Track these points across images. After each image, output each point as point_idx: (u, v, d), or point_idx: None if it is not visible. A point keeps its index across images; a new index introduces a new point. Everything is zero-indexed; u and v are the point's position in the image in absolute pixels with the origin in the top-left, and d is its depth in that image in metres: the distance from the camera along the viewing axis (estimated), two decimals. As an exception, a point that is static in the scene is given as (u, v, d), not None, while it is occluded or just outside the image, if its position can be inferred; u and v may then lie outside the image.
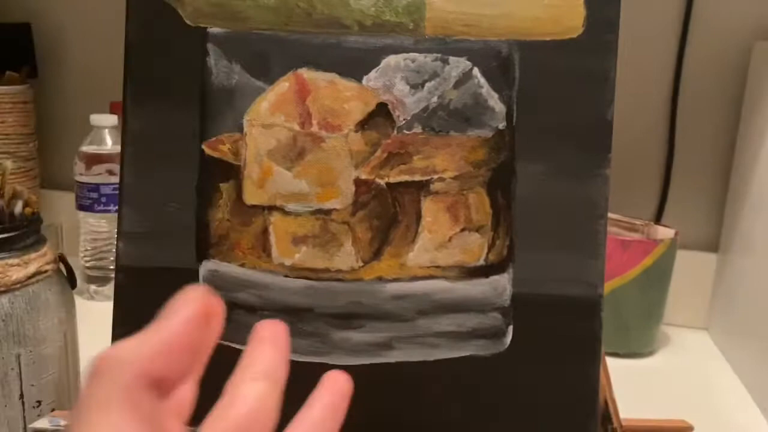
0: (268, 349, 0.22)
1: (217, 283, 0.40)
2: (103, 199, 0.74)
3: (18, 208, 0.41)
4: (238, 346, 0.23)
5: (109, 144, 0.74)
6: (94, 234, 0.75)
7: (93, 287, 0.75)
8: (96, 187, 0.74)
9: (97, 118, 0.73)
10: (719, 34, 0.72)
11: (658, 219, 0.77)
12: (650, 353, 0.70)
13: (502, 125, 0.40)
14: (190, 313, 0.19)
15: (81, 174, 0.74)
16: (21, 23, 0.86)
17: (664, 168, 0.76)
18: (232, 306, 0.40)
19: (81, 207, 0.75)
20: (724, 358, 0.69)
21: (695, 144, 0.75)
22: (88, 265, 0.76)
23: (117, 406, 0.17)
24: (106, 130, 0.74)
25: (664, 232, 0.68)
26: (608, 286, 0.67)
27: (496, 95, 0.40)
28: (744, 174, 0.69)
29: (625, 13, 0.71)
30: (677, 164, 0.75)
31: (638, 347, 0.69)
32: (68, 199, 0.77)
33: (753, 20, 0.71)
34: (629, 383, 0.63)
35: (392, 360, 0.40)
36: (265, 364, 0.21)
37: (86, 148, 0.74)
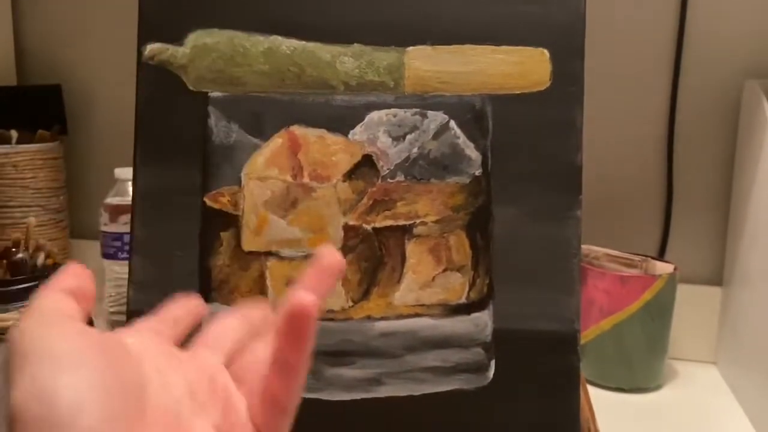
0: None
1: (218, 324, 0.43)
2: (126, 248, 0.78)
3: (40, 259, 0.45)
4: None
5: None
6: (118, 280, 0.80)
7: (117, 331, 0.79)
8: (120, 236, 0.78)
9: (120, 172, 0.78)
10: (710, 74, 0.74)
11: (661, 254, 0.78)
12: (656, 388, 0.70)
13: (478, 172, 0.43)
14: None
15: (106, 224, 0.79)
16: (52, 85, 0.93)
17: (664, 204, 0.78)
18: (231, 346, 0.43)
19: (106, 255, 0.79)
20: (731, 392, 0.70)
21: (693, 179, 0.77)
22: (112, 310, 0.80)
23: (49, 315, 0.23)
24: (129, 183, 0.78)
25: (663, 267, 0.70)
26: (610, 321, 0.68)
27: (471, 144, 0.43)
28: (740, 207, 0.71)
29: (619, 54, 0.74)
30: (677, 200, 0.77)
31: (643, 382, 0.70)
32: (95, 247, 0.82)
33: (742, 60, 0.73)
34: (634, 419, 0.64)
35: (382, 395, 0.43)
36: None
37: (110, 200, 0.79)
